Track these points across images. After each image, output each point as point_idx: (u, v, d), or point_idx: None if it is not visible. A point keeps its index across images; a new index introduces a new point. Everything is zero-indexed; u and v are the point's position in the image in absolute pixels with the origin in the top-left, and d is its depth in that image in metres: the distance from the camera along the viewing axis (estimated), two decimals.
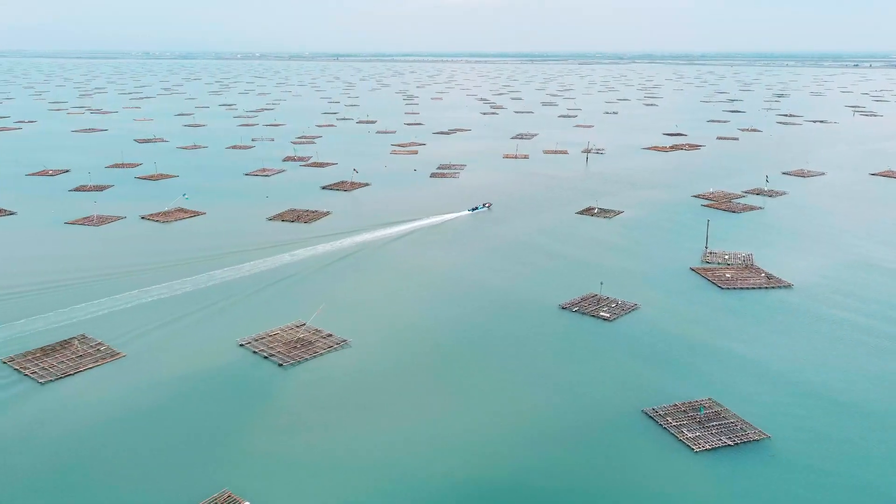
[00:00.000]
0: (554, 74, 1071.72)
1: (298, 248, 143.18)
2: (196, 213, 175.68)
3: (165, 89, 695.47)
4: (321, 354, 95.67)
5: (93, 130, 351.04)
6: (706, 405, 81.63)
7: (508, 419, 79.35)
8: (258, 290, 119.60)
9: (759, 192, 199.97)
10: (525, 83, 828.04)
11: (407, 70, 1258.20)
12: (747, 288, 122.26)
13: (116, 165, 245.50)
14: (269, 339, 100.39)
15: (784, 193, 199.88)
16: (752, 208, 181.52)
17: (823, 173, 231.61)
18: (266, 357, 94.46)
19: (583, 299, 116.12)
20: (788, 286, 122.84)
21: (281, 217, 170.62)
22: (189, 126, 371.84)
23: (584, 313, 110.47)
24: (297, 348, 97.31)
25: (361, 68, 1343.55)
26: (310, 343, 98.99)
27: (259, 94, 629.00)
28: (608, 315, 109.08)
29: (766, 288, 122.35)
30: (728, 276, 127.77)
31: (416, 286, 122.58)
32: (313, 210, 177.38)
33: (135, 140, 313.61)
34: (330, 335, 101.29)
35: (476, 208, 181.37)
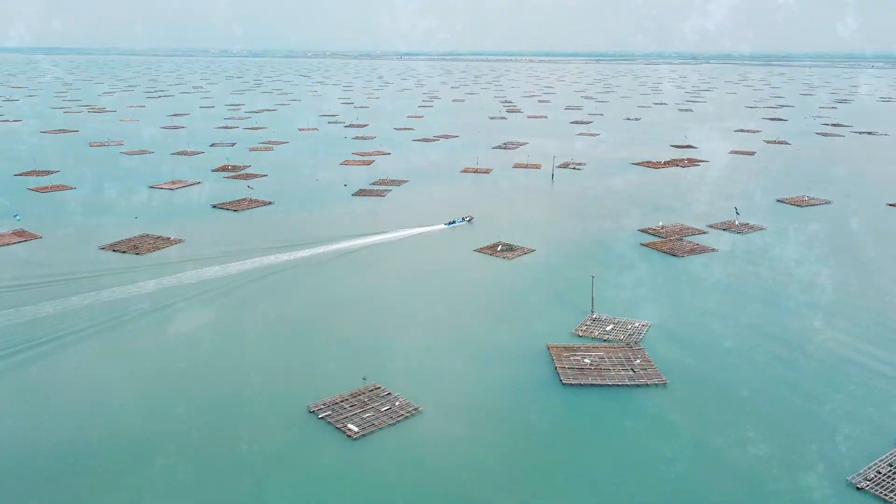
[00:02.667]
0: (609, 75, 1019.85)
1: (76, 294, 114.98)
2: (31, 238, 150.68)
3: (194, 87, 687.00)
4: None
5: (63, 132, 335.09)
6: None
7: None
8: None
9: (727, 227, 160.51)
10: (570, 84, 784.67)
11: (459, 69, 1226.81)
12: (601, 385, 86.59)
13: (27, 173, 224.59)
14: None
15: (760, 229, 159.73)
16: (703, 250, 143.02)
17: (829, 202, 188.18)
18: None
19: (352, 395, 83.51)
20: (662, 384, 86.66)
21: (115, 246, 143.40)
22: (167, 128, 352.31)
23: (331, 422, 77.98)
24: None
25: (416, 67, 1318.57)
26: None
27: (280, 93, 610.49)
28: (356, 430, 76.14)
29: (629, 386, 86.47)
30: (588, 361, 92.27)
31: (154, 367, 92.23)
32: (166, 237, 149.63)
33: (89, 144, 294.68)
34: None
35: (453, 222, 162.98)
